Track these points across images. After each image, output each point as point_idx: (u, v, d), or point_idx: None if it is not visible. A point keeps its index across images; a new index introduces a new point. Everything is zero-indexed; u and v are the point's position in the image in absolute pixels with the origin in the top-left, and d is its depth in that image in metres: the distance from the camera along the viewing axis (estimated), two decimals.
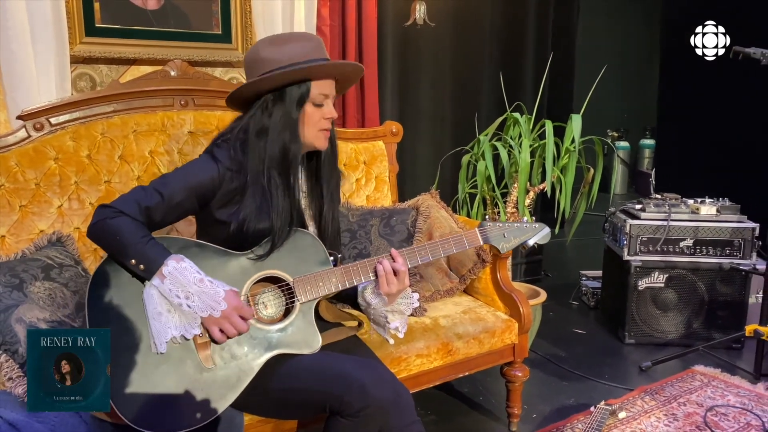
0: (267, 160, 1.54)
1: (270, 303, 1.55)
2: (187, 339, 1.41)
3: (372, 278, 1.57)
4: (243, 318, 1.44)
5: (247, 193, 1.54)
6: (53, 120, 1.96)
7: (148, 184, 1.51)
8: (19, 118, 1.92)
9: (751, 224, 3.02)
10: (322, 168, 1.67)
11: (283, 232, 1.53)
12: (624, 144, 7.46)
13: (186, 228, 2.13)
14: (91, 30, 2.40)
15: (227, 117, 2.20)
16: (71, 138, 1.97)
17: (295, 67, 1.52)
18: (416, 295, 1.65)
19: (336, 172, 1.70)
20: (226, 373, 1.44)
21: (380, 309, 1.60)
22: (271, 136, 1.55)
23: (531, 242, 1.64)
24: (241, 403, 1.49)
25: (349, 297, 1.69)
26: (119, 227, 1.41)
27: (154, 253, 1.40)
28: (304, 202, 1.67)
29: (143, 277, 1.41)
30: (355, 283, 1.56)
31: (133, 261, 1.40)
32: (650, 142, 7.37)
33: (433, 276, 2.34)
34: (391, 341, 1.68)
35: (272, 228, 1.52)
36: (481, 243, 1.63)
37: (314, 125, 1.58)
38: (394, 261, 1.55)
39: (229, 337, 1.45)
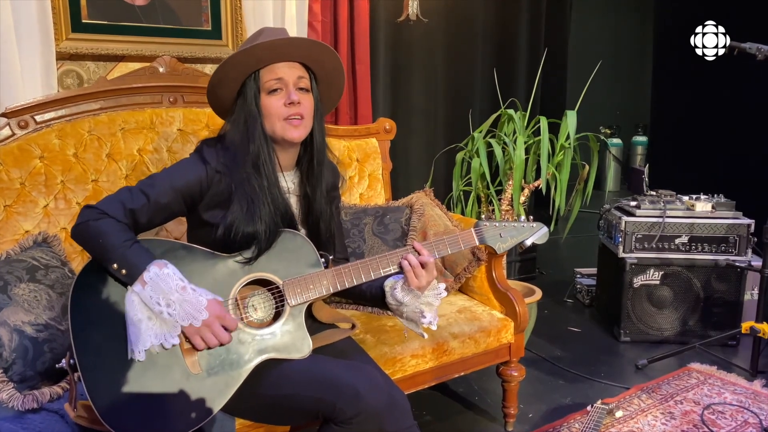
0: (245, 163, 1.49)
1: (260, 306, 1.51)
2: (165, 348, 1.36)
3: (363, 280, 1.52)
4: (226, 328, 1.39)
5: (234, 196, 1.49)
6: (38, 118, 1.92)
7: (135, 185, 1.46)
8: (2, 115, 1.88)
9: (746, 221, 3.00)
10: (308, 167, 1.61)
11: (269, 235, 1.48)
12: (616, 141, 7.46)
13: (176, 227, 2.09)
14: (77, 26, 2.35)
15: None
16: (57, 136, 1.93)
17: (227, 59, 1.48)
18: (442, 285, 1.59)
19: (326, 170, 1.63)
20: (214, 379, 1.40)
21: (414, 305, 1.54)
22: (241, 137, 1.50)
23: (528, 242, 1.59)
24: (231, 408, 1.44)
25: (375, 299, 1.63)
26: (102, 230, 1.36)
27: (136, 257, 1.35)
28: (295, 205, 1.62)
29: (125, 282, 1.37)
30: (347, 286, 1.51)
31: (115, 265, 1.35)
32: (643, 139, 7.37)
33: None
34: (425, 336, 1.63)
35: (257, 232, 1.48)
36: (477, 243, 1.58)
37: (276, 116, 1.51)
38: (419, 254, 1.51)
39: (210, 347, 1.39)
